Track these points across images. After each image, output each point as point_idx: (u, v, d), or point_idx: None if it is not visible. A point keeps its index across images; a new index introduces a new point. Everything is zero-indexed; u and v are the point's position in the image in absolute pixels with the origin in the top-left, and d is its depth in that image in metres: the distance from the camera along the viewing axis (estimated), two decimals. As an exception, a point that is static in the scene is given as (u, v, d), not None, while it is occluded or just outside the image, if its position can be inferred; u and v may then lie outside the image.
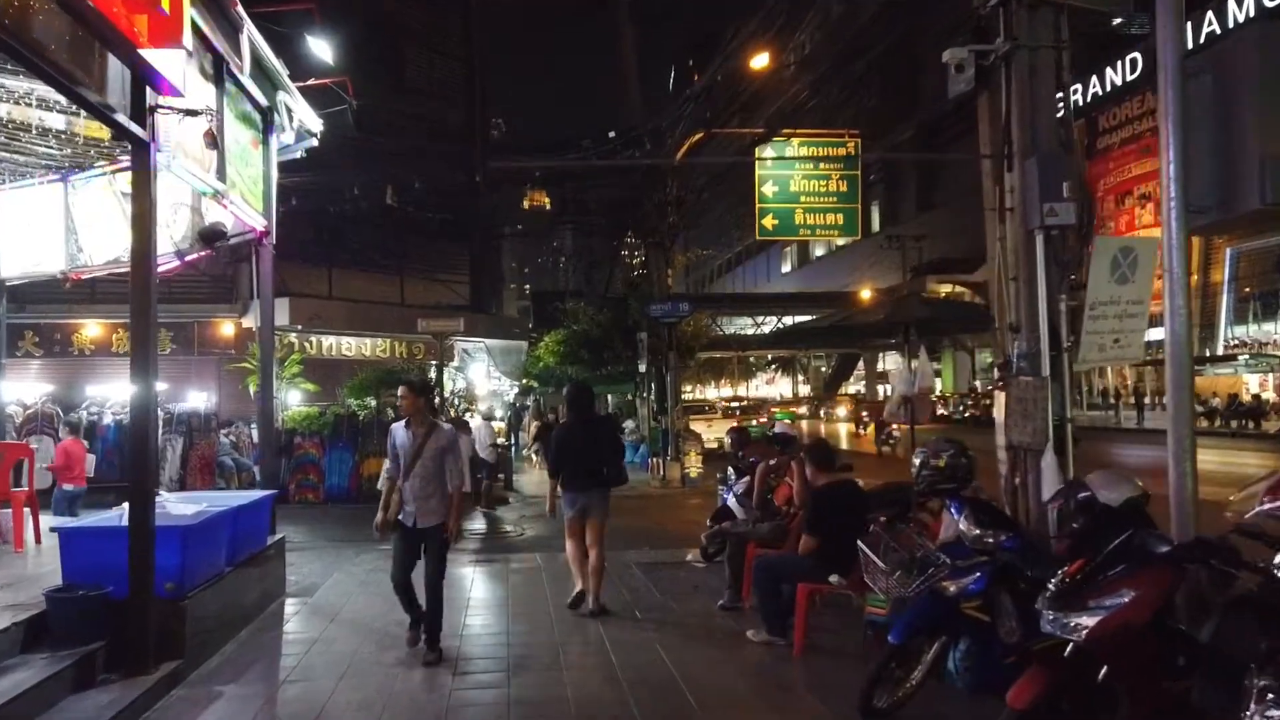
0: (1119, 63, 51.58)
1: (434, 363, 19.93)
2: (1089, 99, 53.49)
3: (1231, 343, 42.55)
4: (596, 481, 7.31)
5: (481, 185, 19.13)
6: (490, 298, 26.82)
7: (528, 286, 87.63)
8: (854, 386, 73.66)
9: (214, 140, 5.67)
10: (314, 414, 17.06)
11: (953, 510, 4.71)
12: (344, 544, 11.92)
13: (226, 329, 19.79)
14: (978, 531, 4.53)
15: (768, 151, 22.47)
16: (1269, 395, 38.38)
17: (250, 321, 19.40)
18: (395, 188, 15.94)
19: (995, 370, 6.26)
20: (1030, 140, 6.05)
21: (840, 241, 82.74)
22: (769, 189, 23.29)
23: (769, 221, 23.43)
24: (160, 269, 9.57)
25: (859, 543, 4.83)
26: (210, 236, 7.93)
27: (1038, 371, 5.69)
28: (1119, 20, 7.19)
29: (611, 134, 15.52)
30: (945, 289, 59.59)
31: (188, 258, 9.08)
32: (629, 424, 25.02)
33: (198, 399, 18.34)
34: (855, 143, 23.51)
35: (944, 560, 4.48)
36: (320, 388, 17.95)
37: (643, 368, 18.82)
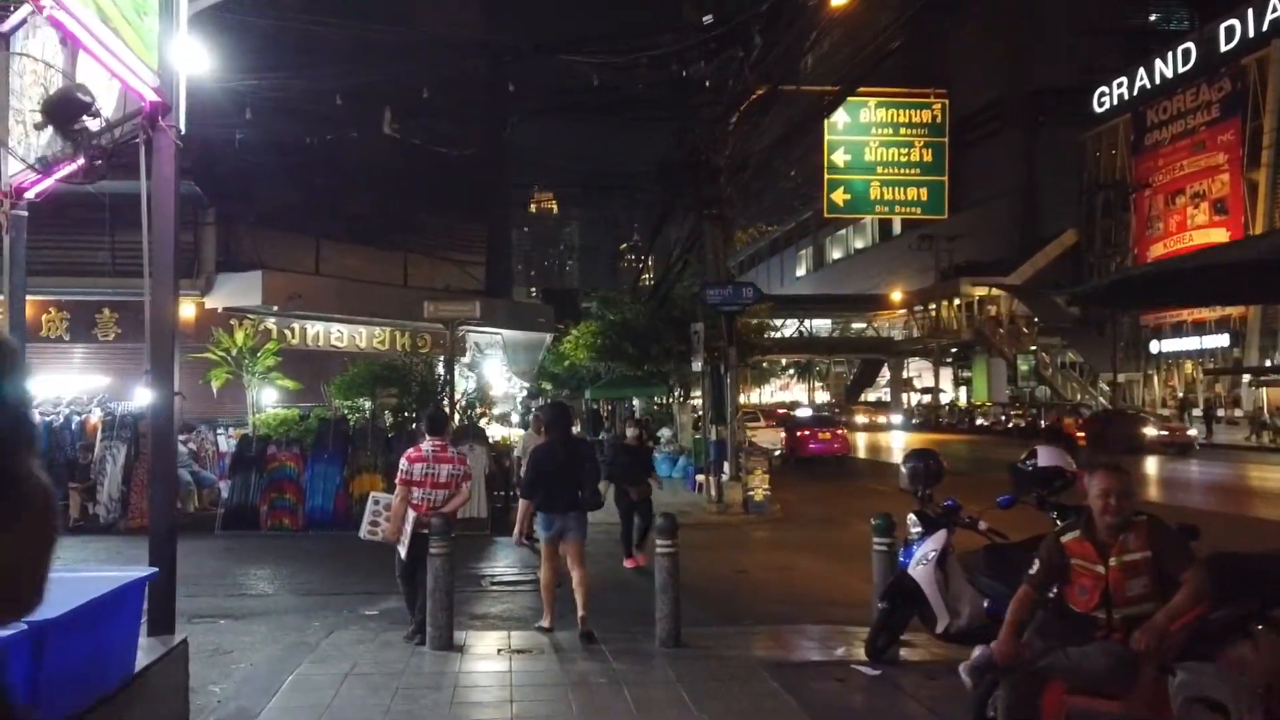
0: (1169, 54, 48.29)
1: (441, 357, 16.53)
2: (1135, 93, 50.26)
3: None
4: (574, 505, 7.04)
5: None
6: (506, 284, 23.32)
7: (533, 290, 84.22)
8: (873, 394, 70.39)
9: None
10: (293, 417, 13.67)
11: None
12: (319, 604, 8.47)
13: (185, 310, 16.29)
14: None
15: (839, 114, 19.16)
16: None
17: (215, 301, 15.96)
18: (395, 115, 12.54)
19: None
20: None
21: (859, 244, 79.68)
22: (840, 158, 19.80)
23: (840, 196, 19.98)
24: (28, 193, 6.22)
25: None
26: (63, 109, 4.51)
27: None
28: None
29: (708, 18, 11.94)
30: (980, 291, 56.34)
31: (58, 173, 5.64)
32: (664, 433, 21.59)
33: (147, 397, 14.94)
34: (942, 105, 20.13)
35: None
36: (302, 385, 14.52)
37: (697, 366, 15.42)
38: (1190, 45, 47.18)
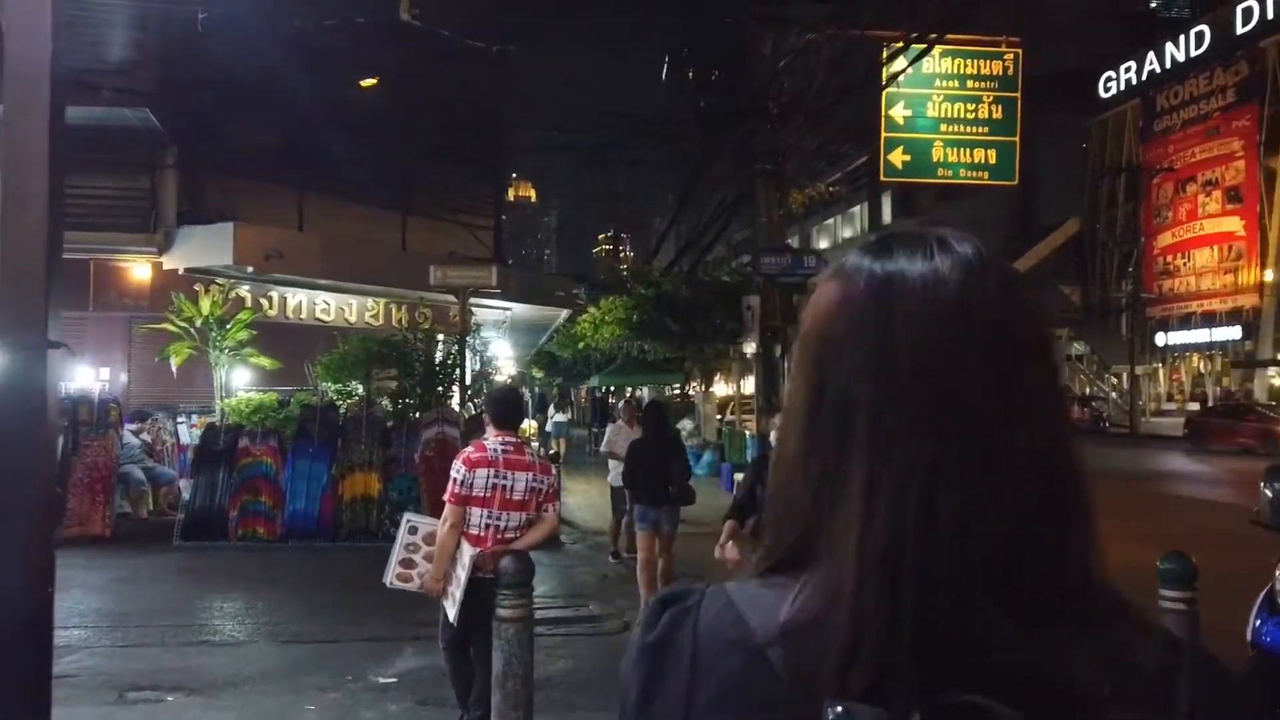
0: (1181, 37, 46.78)
1: (440, 336, 14.07)
2: (1145, 77, 48.69)
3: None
4: (667, 498, 7.50)
5: None
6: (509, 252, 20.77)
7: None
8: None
9: None
10: (270, 403, 11.23)
11: None
12: (310, 659, 6.08)
13: (139, 271, 13.66)
14: None
15: (899, 62, 16.83)
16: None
17: (176, 261, 13.34)
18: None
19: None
20: None
21: (847, 233, 77.71)
22: (900, 113, 17.34)
23: (898, 157, 17.48)
24: None
25: None
26: None
27: None
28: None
29: None
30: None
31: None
32: (685, 424, 19.34)
33: (91, 377, 12.41)
34: (1015, 55, 17.85)
35: None
36: (281, 364, 12.04)
37: (750, 347, 13.12)
38: (1204, 28, 45.78)
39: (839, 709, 0.60)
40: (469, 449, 4.34)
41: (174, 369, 11.65)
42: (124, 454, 11.08)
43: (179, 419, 12.32)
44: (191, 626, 7.06)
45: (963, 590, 0.62)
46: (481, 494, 4.18)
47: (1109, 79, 51.32)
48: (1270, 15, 41.32)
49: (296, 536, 10.59)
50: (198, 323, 11.34)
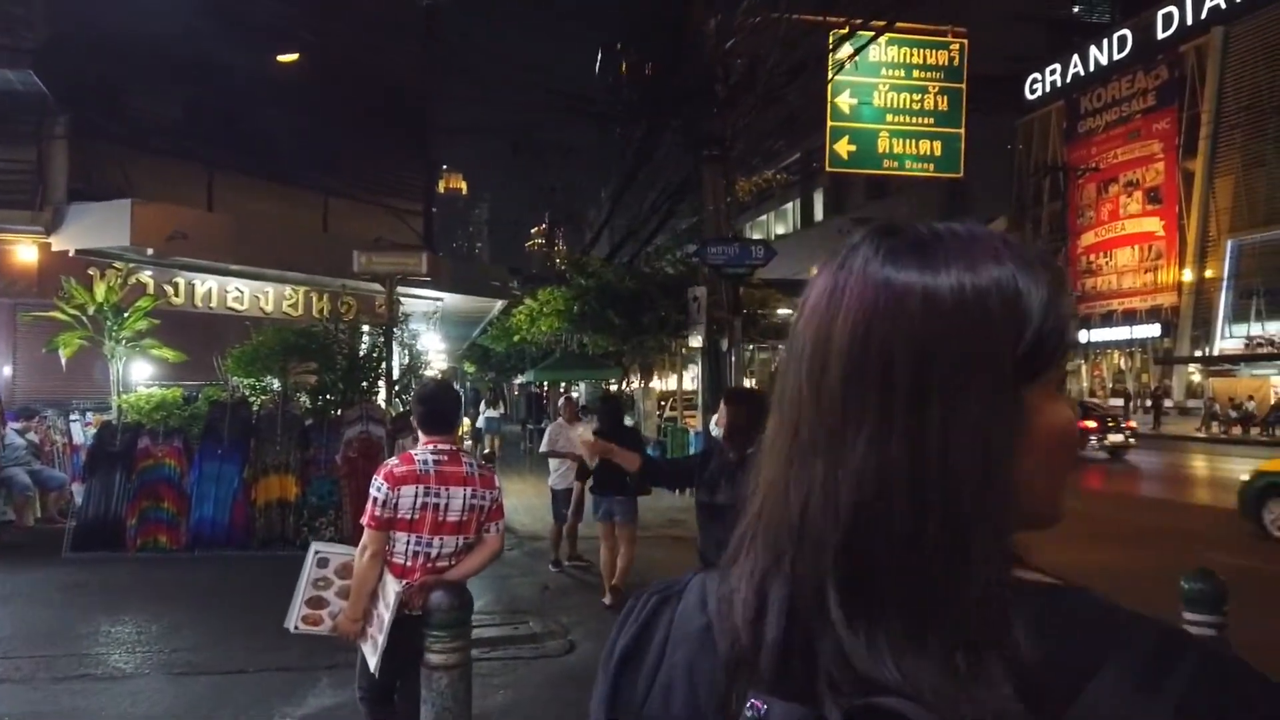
0: (1104, 41, 47.93)
1: (365, 327, 13.20)
2: (1069, 79, 49.84)
3: (1253, 340, 38.78)
4: (620, 489, 7.71)
5: None
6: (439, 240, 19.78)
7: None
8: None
9: None
10: (174, 399, 10.21)
11: None
12: (209, 695, 5.28)
13: (24, 253, 12.34)
14: None
15: (845, 49, 16.44)
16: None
17: (67, 241, 12.12)
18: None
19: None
20: None
21: (780, 229, 78.16)
22: (845, 101, 16.92)
23: (844, 147, 17.04)
24: None
25: None
26: None
27: None
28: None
29: None
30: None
31: None
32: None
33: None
34: (960, 45, 17.56)
35: None
36: (188, 357, 10.99)
37: (697, 341, 12.51)
38: (1126, 32, 47.00)
39: (757, 704, 0.59)
40: (393, 461, 3.58)
41: (64, 361, 10.52)
42: (7, 455, 10.01)
43: (71, 416, 11.19)
44: (71, 656, 6.14)
45: (819, 591, 0.61)
46: (408, 516, 3.43)
47: (1035, 81, 52.37)
48: (1189, 21, 42.55)
49: (203, 546, 9.67)
50: (91, 310, 10.22)
